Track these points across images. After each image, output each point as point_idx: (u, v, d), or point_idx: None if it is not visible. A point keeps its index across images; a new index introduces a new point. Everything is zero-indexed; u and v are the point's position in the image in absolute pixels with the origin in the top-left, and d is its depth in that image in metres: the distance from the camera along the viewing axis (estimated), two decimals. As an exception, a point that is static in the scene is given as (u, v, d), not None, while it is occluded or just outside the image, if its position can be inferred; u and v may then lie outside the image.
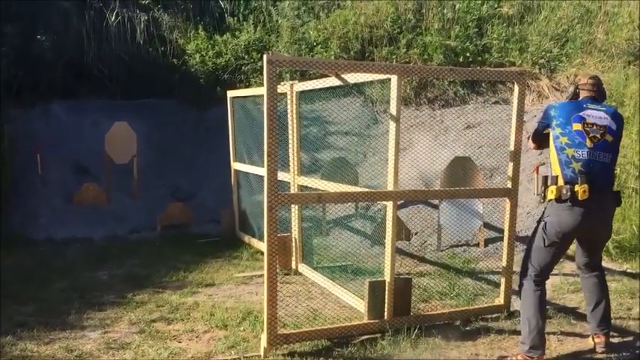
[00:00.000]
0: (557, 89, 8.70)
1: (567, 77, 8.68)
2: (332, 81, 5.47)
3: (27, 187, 8.33)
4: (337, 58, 9.25)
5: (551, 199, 3.89)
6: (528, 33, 9.17)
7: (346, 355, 4.08)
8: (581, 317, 4.72)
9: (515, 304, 4.98)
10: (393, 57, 9.30)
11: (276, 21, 10.34)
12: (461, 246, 6.85)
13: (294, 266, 6.24)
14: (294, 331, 4.29)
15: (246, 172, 7.71)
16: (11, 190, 8.15)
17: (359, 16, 9.68)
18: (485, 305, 4.94)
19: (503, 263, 4.86)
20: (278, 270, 4.30)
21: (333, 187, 5.55)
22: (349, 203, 7.15)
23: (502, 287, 4.87)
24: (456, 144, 7.99)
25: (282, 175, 5.26)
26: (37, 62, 9.00)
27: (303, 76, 8.30)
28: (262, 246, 6.57)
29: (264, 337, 4.09)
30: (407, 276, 5.01)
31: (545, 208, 4.01)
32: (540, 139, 4.28)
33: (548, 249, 3.95)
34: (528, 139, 4.42)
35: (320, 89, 6.13)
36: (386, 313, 4.44)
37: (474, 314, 4.76)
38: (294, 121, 6.17)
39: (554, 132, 3.94)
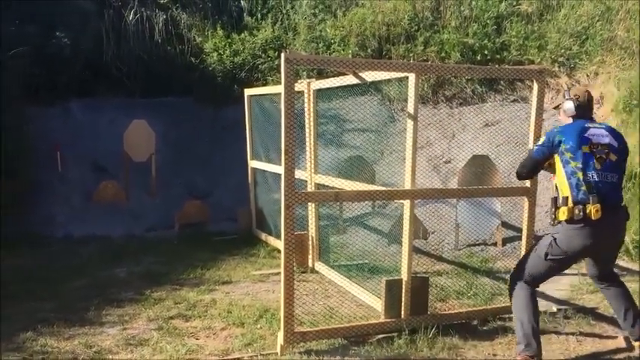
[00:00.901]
0: (577, 87, 8.61)
1: (587, 75, 8.58)
2: (349, 79, 5.47)
3: (45, 186, 8.42)
4: (354, 56, 9.24)
5: (562, 221, 3.77)
6: (547, 30, 9.08)
7: (363, 353, 4.08)
8: (601, 318, 4.69)
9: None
10: (411, 55, 9.27)
11: (294, 19, 10.35)
12: (478, 245, 6.81)
13: (310, 264, 6.25)
14: (310, 330, 4.30)
15: (263, 170, 7.73)
16: (30, 188, 8.25)
17: (376, 14, 9.65)
18: (503, 305, 4.88)
19: (522, 263, 4.81)
20: (295, 268, 4.31)
21: (350, 185, 5.55)
22: (366, 201, 7.13)
23: (520, 287, 4.82)
24: (474, 142, 7.93)
25: (299, 174, 5.27)
26: (56, 61, 9.09)
27: (321, 75, 8.29)
28: (279, 244, 6.59)
29: (280, 334, 4.10)
30: (424, 275, 4.99)
31: (557, 227, 3.87)
32: (536, 170, 4.12)
33: (549, 263, 3.88)
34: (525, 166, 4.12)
35: (337, 87, 6.13)
36: (403, 312, 4.42)
37: (491, 314, 4.73)
38: (311, 119, 6.17)
39: (563, 157, 3.82)
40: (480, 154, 7.11)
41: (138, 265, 6.56)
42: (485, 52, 8.97)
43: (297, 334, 4.13)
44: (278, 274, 5.49)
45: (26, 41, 8.52)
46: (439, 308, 4.93)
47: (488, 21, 9.21)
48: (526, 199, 4.76)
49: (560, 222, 3.79)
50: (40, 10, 9.02)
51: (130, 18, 10.01)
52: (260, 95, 8.01)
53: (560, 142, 3.84)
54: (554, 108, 4.31)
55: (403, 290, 4.42)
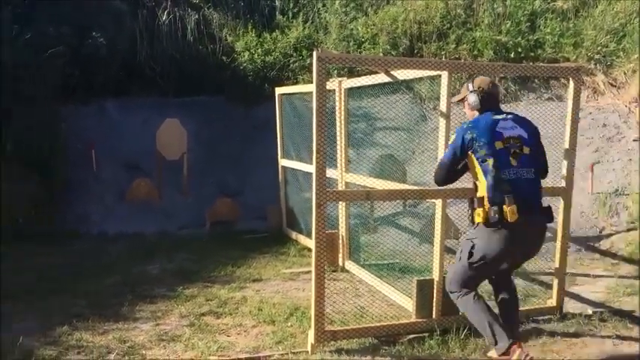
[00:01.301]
0: (614, 85, 8.42)
1: (624, 73, 8.39)
2: (380, 77, 5.43)
3: (80, 184, 8.58)
4: (385, 55, 9.20)
5: (479, 223, 3.61)
6: (583, 27, 8.90)
7: (393, 353, 4.06)
8: (638, 321, 4.57)
9: (568, 305, 4.87)
10: (442, 53, 9.19)
11: (325, 18, 10.35)
12: (511, 245, 6.70)
13: (341, 263, 6.24)
14: (341, 329, 4.29)
15: (294, 169, 7.75)
16: (66, 187, 8.41)
17: (408, 12, 9.59)
18: (537, 306, 4.83)
19: (556, 264, 4.74)
20: (325, 267, 4.30)
21: (381, 184, 5.52)
22: (397, 200, 7.08)
23: (554, 288, 4.76)
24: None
25: (329, 172, 5.26)
26: (92, 61, 9.25)
27: (351, 73, 8.28)
28: (309, 242, 6.61)
29: (311, 333, 4.10)
30: (456, 275, 4.93)
31: (475, 230, 3.70)
32: (453, 175, 3.86)
33: (474, 270, 3.71)
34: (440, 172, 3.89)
35: (368, 86, 6.10)
36: (434, 312, 4.39)
37: (524, 315, 4.64)
38: (342, 117, 6.16)
39: (478, 154, 3.63)
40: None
41: (170, 262, 6.64)
42: (519, 49, 8.84)
43: (327, 332, 4.13)
44: (308, 272, 5.50)
45: (63, 41, 8.69)
46: (471, 309, 4.86)
47: (522, 18, 9.08)
48: (561, 200, 4.68)
49: (477, 224, 3.62)
50: (76, 10, 9.18)
51: (163, 18, 10.13)
52: (291, 94, 8.03)
53: (472, 138, 3.64)
54: (459, 101, 4.03)
55: (435, 290, 4.38)
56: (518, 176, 3.59)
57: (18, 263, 6.44)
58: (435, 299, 4.38)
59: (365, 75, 6.00)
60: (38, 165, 7.80)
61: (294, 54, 10.05)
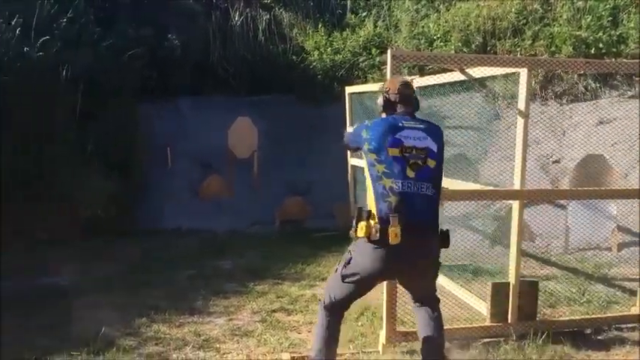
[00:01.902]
0: None
1: None
2: (453, 76, 5.33)
3: (156, 181, 8.86)
4: (457, 52, 9.01)
5: (360, 237, 3.24)
6: (671, 21, 8.41)
7: (467, 357, 3.97)
8: None
9: (655, 314, 4.62)
10: (518, 50, 8.90)
11: (396, 16, 10.26)
12: (591, 249, 6.44)
13: (411, 264, 6.15)
14: (412, 329, 4.23)
15: (364, 168, 7.70)
16: (143, 184, 8.72)
17: (482, 8, 9.36)
18: (620, 314, 4.62)
19: (641, 270, 4.51)
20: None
21: (453, 184, 5.41)
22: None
23: (639, 296, 4.53)
24: (586, 141, 7.51)
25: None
26: (167, 63, 9.51)
27: (421, 71, 8.17)
28: (379, 242, 6.55)
29: (382, 333, 4.08)
30: (532, 279, 4.78)
31: (356, 243, 3.36)
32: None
33: (346, 285, 3.39)
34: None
35: (440, 84, 6.00)
36: (510, 317, 4.27)
37: (606, 323, 4.47)
38: (414, 116, 6.07)
39: (368, 158, 3.31)
40: (594, 153, 6.72)
41: (241, 258, 6.77)
42: (600, 45, 8.45)
43: (398, 333, 4.11)
44: (378, 272, 5.44)
45: (142, 43, 8.97)
46: (548, 314, 4.71)
47: (603, 12, 8.67)
48: (647, 202, 4.45)
49: (359, 238, 3.26)
50: (154, 12, 9.46)
51: (236, 19, 10.31)
52: (361, 93, 8.01)
53: (365, 139, 3.33)
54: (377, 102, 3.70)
55: (510, 294, 4.26)
56: (414, 190, 3.19)
57: (98, 257, 6.72)
58: (510, 303, 4.26)
59: (435, 73, 5.90)
60: (118, 164, 8.10)
61: (364, 53, 10.00)
